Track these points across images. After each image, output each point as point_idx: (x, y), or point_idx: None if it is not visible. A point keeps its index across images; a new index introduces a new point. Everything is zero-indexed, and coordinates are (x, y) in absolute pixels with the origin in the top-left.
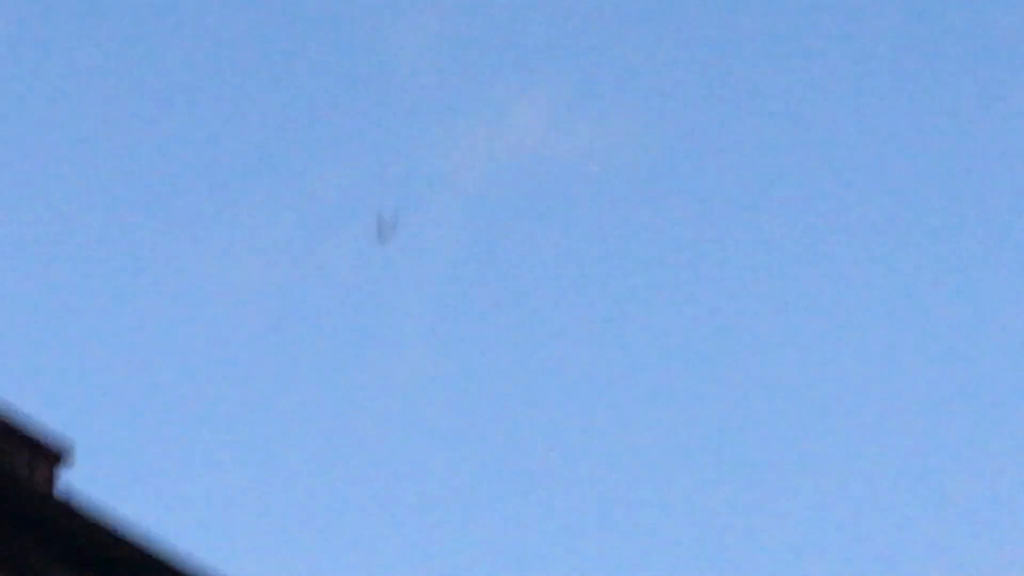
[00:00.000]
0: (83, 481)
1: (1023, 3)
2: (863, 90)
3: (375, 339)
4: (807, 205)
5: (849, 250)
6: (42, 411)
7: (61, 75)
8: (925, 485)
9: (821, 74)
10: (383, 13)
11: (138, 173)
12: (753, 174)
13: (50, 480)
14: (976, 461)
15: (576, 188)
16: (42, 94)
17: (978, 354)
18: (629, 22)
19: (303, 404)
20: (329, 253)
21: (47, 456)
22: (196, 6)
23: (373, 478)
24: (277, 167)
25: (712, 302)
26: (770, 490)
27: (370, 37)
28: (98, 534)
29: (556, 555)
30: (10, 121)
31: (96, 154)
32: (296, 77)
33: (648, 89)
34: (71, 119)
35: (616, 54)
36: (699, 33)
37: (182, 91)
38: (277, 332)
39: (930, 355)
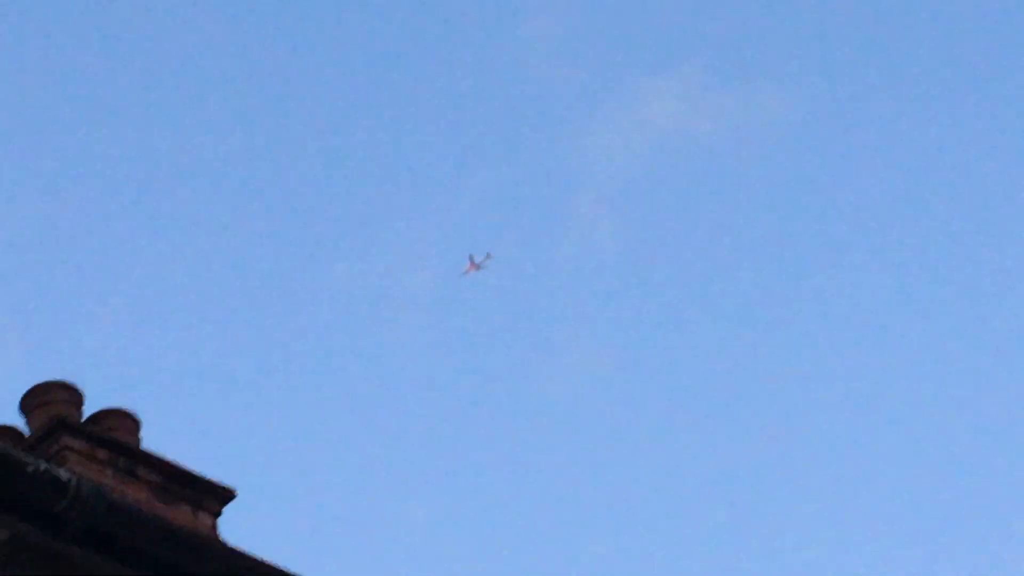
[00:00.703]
0: (242, 527)
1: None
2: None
3: (540, 339)
4: (962, 173)
5: None
6: (203, 457)
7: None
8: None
9: (961, 50)
10: (509, 18)
11: (294, 191)
12: (902, 146)
13: (214, 526)
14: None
15: (718, 169)
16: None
17: None
18: (757, 1)
19: (475, 411)
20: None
21: (211, 501)
22: (334, 17)
23: (558, 482)
24: (424, 176)
25: (863, 278)
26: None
27: (501, 41)
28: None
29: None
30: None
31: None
32: (433, 85)
33: (784, 66)
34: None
35: (746, 33)
36: (832, 6)
37: (334, 99)
38: (441, 339)
39: None
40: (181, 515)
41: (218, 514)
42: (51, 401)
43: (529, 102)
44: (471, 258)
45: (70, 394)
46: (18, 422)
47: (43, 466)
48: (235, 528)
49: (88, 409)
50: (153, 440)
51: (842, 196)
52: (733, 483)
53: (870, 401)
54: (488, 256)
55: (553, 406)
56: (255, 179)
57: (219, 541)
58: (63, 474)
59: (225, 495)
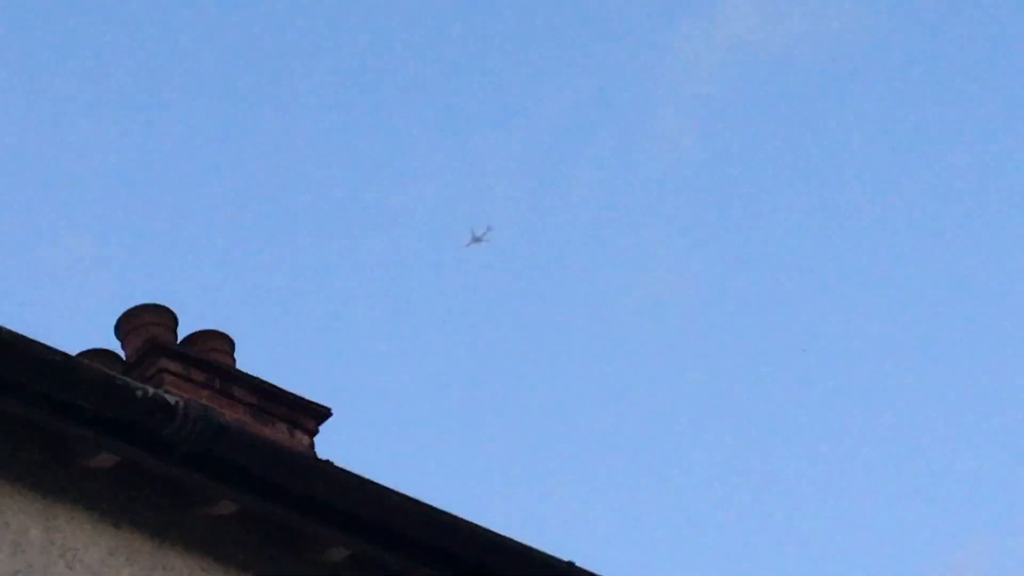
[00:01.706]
0: (339, 446)
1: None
2: None
3: (623, 255)
4: None
5: None
6: (298, 377)
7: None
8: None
9: None
10: None
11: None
12: (980, 56)
13: (311, 445)
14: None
15: (797, 76)
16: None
17: None
18: None
19: (554, 329)
20: (569, 171)
21: (308, 420)
22: None
23: (642, 397)
24: (506, 93)
25: (945, 189)
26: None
27: None
28: (365, 495)
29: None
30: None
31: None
32: (513, 4)
33: None
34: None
35: None
36: None
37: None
38: (518, 253)
39: None
40: (278, 435)
41: (315, 433)
42: (146, 324)
43: (609, 16)
44: (472, 231)
45: (164, 317)
46: (113, 346)
47: (151, 391)
48: (331, 448)
49: (182, 331)
50: (248, 361)
51: (930, 106)
52: (826, 395)
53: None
54: (489, 228)
55: (640, 320)
56: (348, 100)
57: (326, 461)
58: (170, 398)
59: (321, 414)
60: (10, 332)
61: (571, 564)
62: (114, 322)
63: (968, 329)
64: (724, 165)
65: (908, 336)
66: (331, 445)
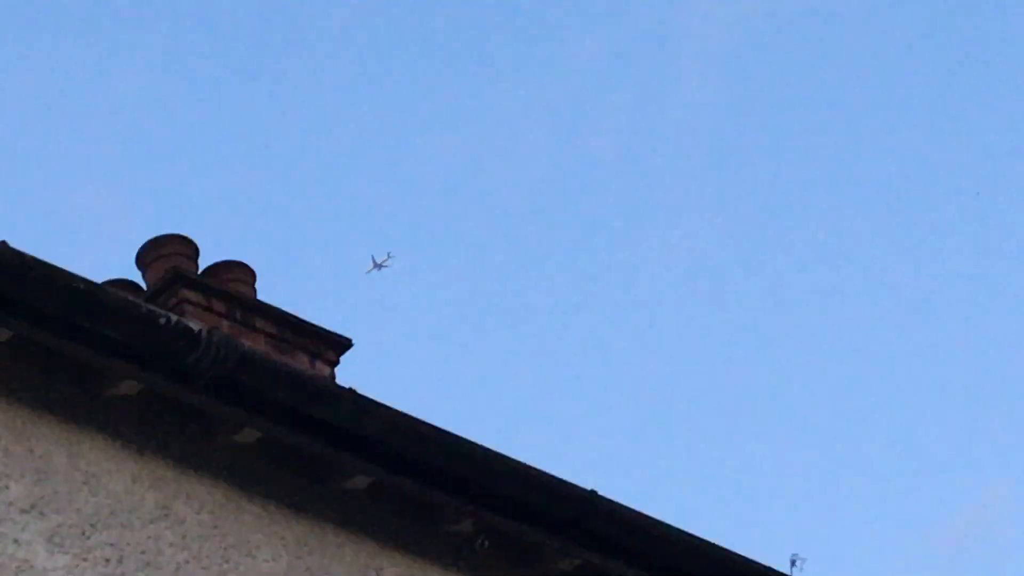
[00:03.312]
0: (359, 377)
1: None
2: None
3: (647, 211)
4: None
5: None
6: (319, 307)
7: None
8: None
9: None
10: None
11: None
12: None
13: (332, 376)
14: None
15: (820, 27)
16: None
17: None
18: None
19: (579, 282)
20: (590, 124)
21: (328, 351)
22: None
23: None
24: (527, 44)
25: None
26: None
27: None
28: (387, 422)
29: None
30: None
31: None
32: None
33: None
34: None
35: None
36: None
37: None
38: (544, 207)
39: None
40: (299, 365)
41: (335, 364)
42: (167, 254)
43: None
44: (373, 258)
45: (186, 247)
46: (135, 276)
47: (174, 319)
48: (351, 379)
49: (203, 262)
50: (268, 292)
51: (955, 60)
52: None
53: None
54: (388, 256)
55: (661, 271)
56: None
57: (348, 389)
58: (194, 325)
59: (342, 344)
60: (35, 259)
61: (594, 492)
62: (135, 252)
63: (1005, 272)
64: (747, 116)
65: (933, 283)
66: (351, 376)
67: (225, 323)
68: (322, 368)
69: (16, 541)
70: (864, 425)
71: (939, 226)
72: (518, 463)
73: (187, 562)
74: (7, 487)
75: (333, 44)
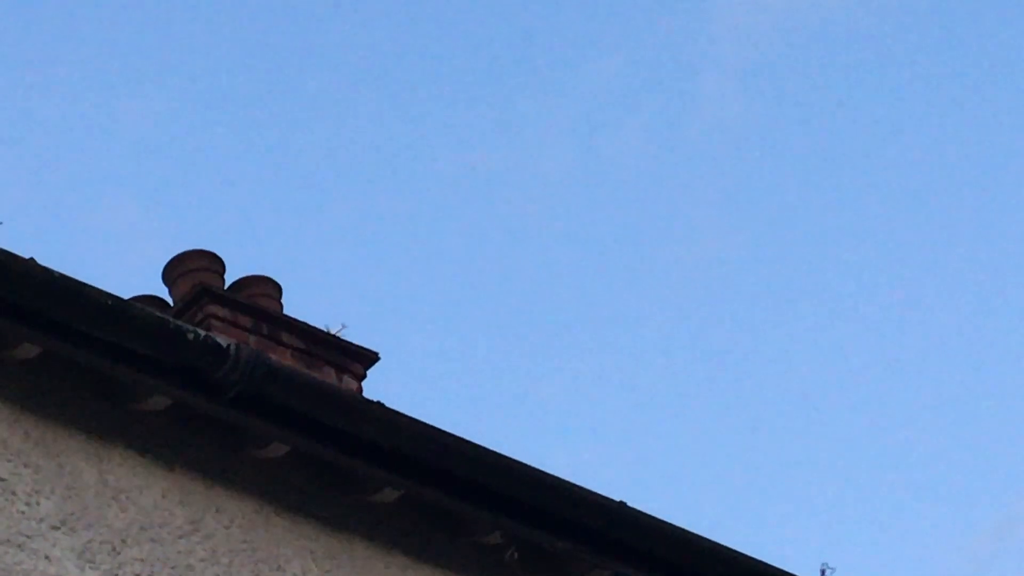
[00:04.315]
0: (387, 391)
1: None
2: None
3: (672, 225)
4: None
5: None
6: (346, 322)
7: None
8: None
9: None
10: None
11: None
12: None
13: (359, 390)
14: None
15: (843, 39)
16: None
17: None
18: None
19: (603, 295)
20: (612, 143)
21: (355, 365)
22: None
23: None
24: (546, 63)
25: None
26: None
27: None
28: (415, 436)
29: None
30: None
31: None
32: None
33: None
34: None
35: None
36: None
37: None
38: (580, 225)
39: None
40: (326, 379)
41: (362, 378)
42: (193, 270)
43: None
44: (327, 328)
45: (212, 262)
46: (161, 292)
47: (203, 334)
48: (379, 393)
49: (229, 277)
50: (295, 306)
51: (982, 71)
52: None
53: None
54: (342, 327)
55: (688, 274)
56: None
57: (376, 402)
58: (222, 340)
59: (369, 358)
60: (64, 276)
61: (623, 503)
62: (161, 268)
63: None
64: (770, 130)
65: (974, 290)
66: (379, 390)
67: (252, 338)
68: (349, 383)
69: (47, 557)
70: (896, 433)
71: (981, 236)
72: (547, 474)
73: None
74: (38, 503)
75: (360, 60)
